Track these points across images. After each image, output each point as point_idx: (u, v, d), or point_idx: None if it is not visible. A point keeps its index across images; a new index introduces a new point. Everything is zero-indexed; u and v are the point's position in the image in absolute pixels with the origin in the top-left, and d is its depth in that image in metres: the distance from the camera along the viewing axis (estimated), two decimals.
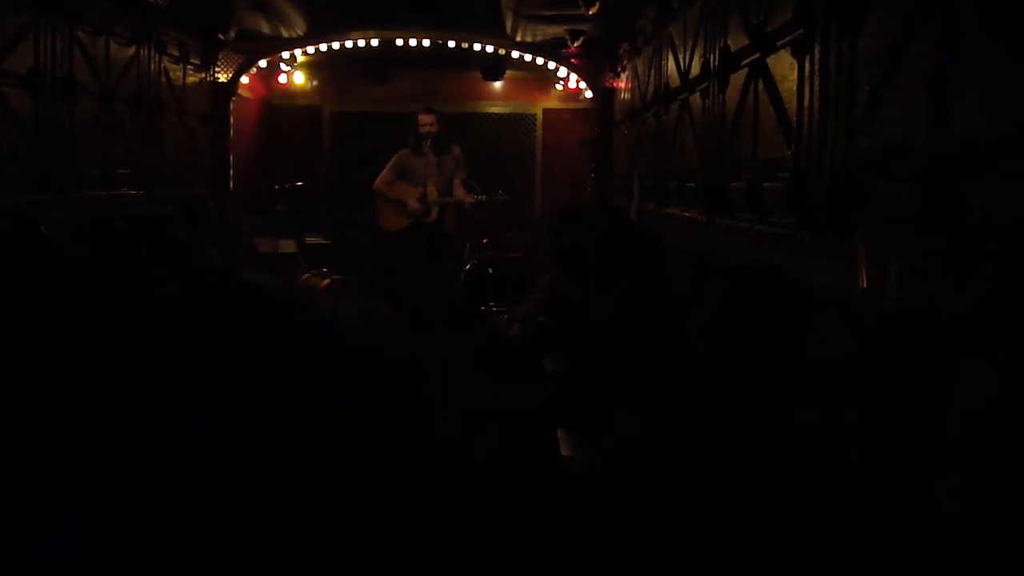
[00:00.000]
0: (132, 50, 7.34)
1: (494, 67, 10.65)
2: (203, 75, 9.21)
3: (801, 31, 3.56)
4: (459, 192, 9.11)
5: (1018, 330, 1.95)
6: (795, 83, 3.61)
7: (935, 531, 1.78)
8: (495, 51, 9.84)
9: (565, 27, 8.62)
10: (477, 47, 9.70)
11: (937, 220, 2.45)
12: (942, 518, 1.76)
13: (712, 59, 5.00)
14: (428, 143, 8.90)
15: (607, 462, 3.21)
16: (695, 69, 5.46)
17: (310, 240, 10.11)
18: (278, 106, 11.61)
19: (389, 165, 9.21)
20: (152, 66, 7.76)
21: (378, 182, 9.20)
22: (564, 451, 3.76)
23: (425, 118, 8.93)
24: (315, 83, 11.55)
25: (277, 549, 0.64)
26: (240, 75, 9.72)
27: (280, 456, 0.65)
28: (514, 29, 8.94)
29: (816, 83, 3.39)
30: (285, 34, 9.38)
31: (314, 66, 11.10)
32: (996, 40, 2.23)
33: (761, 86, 4.14)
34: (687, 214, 5.59)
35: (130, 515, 0.62)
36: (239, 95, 9.96)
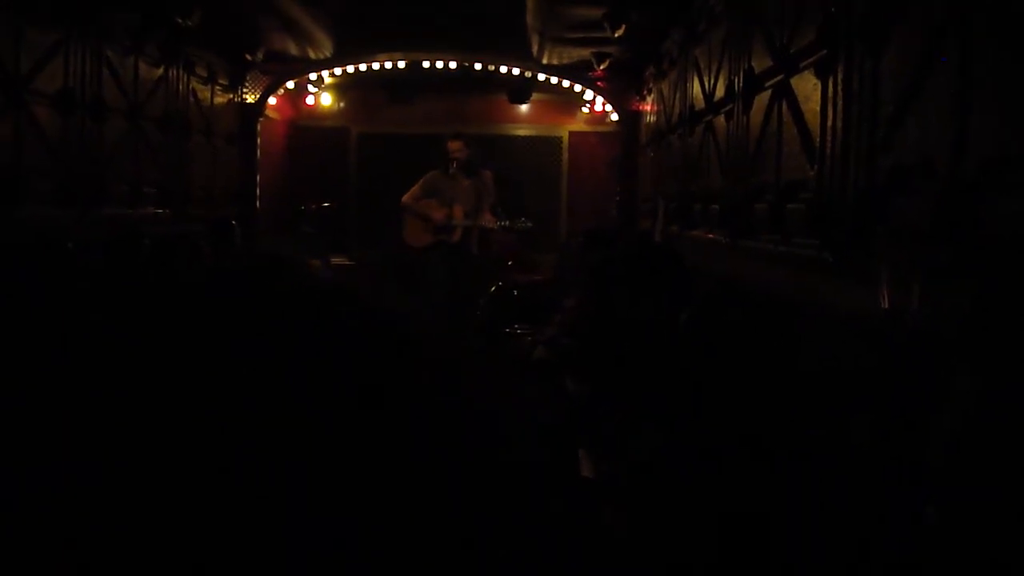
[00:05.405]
0: (160, 70, 7.41)
1: (520, 90, 10.66)
2: (231, 96, 9.29)
3: (824, 52, 3.55)
4: (486, 217, 9.13)
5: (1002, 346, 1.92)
6: (818, 104, 3.60)
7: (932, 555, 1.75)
8: (521, 74, 9.89)
9: (591, 50, 8.66)
10: (503, 69, 9.77)
11: (957, 239, 2.43)
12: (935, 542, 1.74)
13: (736, 81, 5.00)
14: (456, 166, 8.94)
15: (629, 481, 3.20)
16: (719, 91, 5.46)
17: (336, 261, 10.15)
18: (305, 127, 11.68)
19: (419, 183, 9.25)
20: (180, 86, 7.84)
21: (407, 196, 9.24)
22: (585, 471, 3.74)
23: (453, 144, 8.98)
24: (342, 105, 11.60)
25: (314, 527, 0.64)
26: (268, 96, 9.82)
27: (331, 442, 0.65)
28: (540, 52, 8.98)
29: (839, 103, 3.38)
30: (313, 56, 9.46)
31: (341, 88, 11.16)
32: (1014, 58, 2.22)
33: (785, 107, 4.13)
34: (711, 236, 5.58)
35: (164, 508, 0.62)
36: (266, 116, 10.06)
